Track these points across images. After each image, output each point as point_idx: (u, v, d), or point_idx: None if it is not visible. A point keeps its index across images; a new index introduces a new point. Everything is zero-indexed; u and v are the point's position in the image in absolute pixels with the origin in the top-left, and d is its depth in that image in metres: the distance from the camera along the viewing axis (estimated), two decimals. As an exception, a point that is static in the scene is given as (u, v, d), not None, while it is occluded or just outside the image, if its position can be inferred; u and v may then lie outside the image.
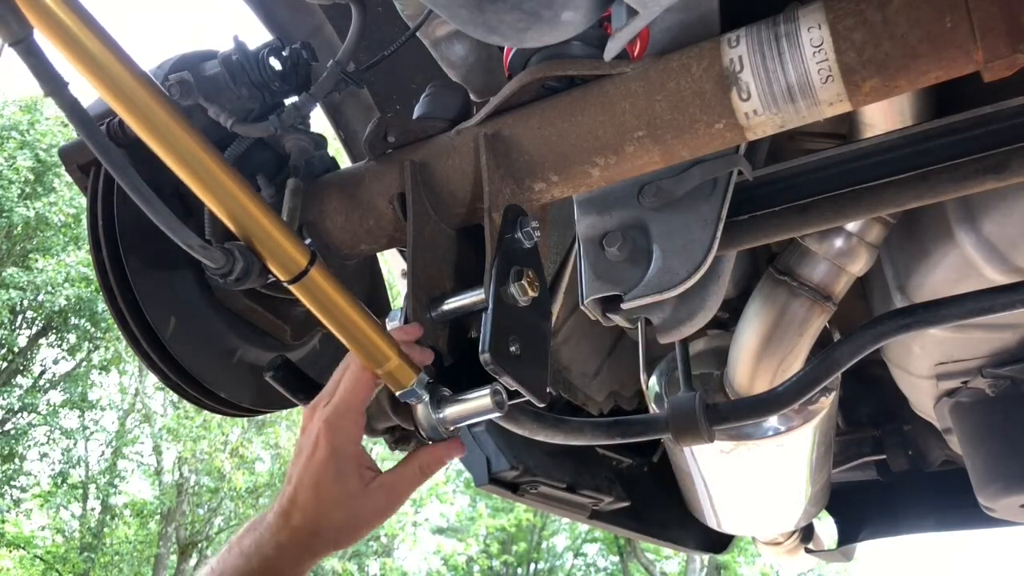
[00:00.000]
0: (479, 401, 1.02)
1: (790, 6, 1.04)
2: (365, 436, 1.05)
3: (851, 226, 1.69)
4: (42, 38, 0.78)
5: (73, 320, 14.61)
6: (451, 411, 1.03)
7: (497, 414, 1.02)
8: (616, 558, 18.07)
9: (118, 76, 0.81)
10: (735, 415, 1.67)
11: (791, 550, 3.09)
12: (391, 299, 1.58)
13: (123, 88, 0.82)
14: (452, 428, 1.05)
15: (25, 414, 14.49)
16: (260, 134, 1.25)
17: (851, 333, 1.53)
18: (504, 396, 1.01)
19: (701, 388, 1.88)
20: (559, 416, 1.78)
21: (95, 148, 0.83)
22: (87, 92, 0.88)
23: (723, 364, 2.02)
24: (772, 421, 2.10)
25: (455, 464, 16.90)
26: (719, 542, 3.17)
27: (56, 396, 15.25)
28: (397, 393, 1.02)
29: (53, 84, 0.78)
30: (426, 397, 1.02)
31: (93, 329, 14.73)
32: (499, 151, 1.15)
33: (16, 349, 14.59)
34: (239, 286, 1.03)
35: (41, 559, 14.27)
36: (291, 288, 0.95)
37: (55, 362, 15.50)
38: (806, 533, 3.04)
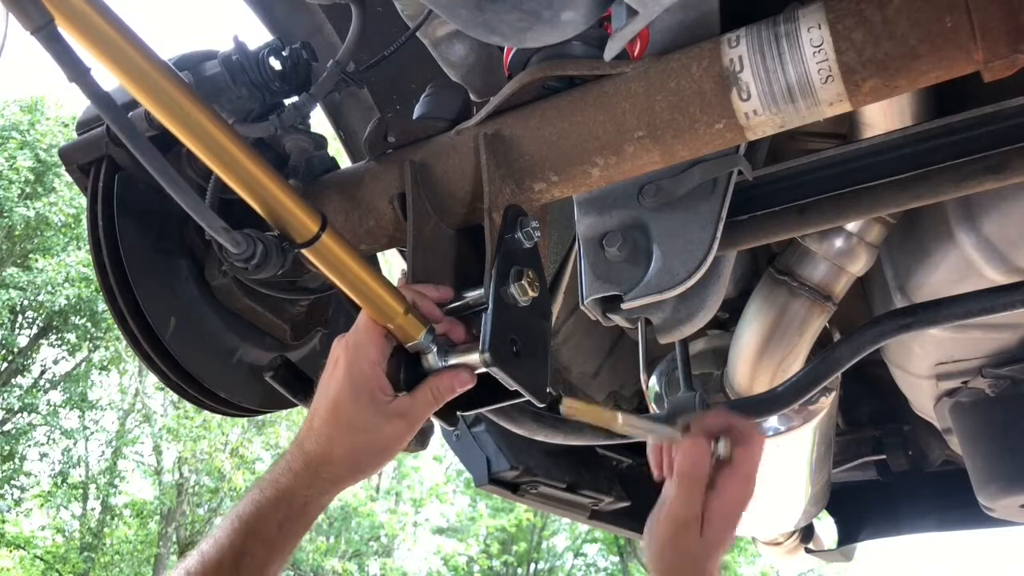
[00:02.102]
0: None
1: (790, 6, 1.04)
2: None
3: (851, 226, 1.69)
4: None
5: (73, 320, 14.61)
6: (458, 359, 1.04)
7: None
8: (616, 558, 18.07)
9: (131, 57, 0.82)
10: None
11: (791, 550, 3.09)
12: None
13: (135, 68, 0.82)
14: None
15: (25, 414, 14.49)
16: (260, 134, 1.25)
17: (851, 333, 1.53)
18: None
19: (701, 388, 1.88)
20: (559, 416, 1.78)
21: (122, 133, 0.84)
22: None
23: (723, 364, 2.02)
24: (772, 421, 2.10)
25: (455, 464, 16.90)
26: (719, 542, 3.16)
27: (56, 396, 15.25)
28: (407, 345, 1.03)
29: (76, 71, 0.79)
30: (434, 348, 1.04)
31: (93, 329, 14.74)
32: (499, 151, 1.15)
33: (16, 349, 14.59)
34: (259, 273, 1.04)
35: (41, 559, 14.27)
36: (305, 252, 0.96)
37: (55, 362, 15.51)
38: (806, 533, 3.03)
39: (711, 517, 1.01)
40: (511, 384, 1.02)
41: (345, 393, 0.99)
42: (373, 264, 1.51)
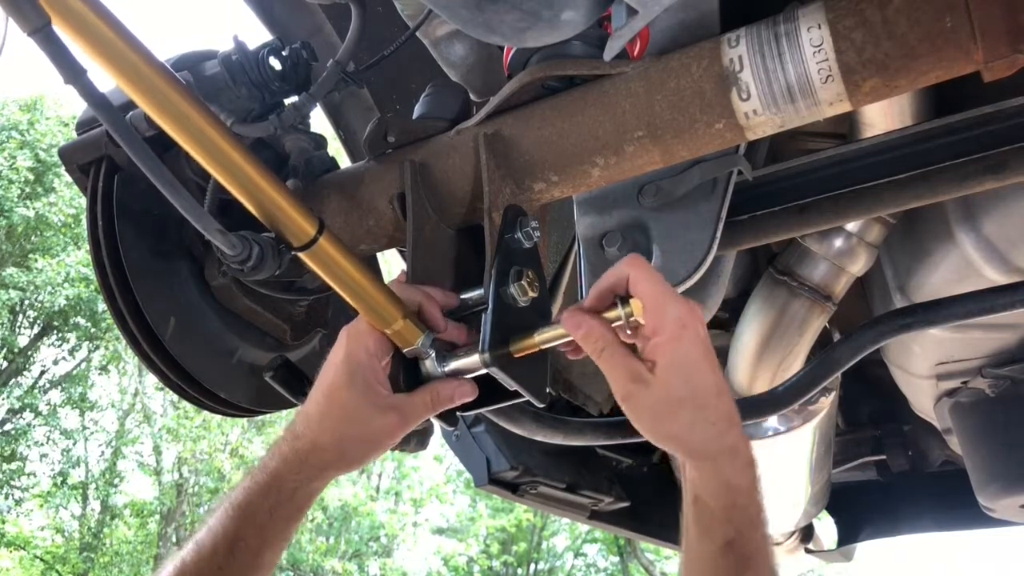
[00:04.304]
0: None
1: (790, 6, 1.04)
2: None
3: (851, 226, 1.69)
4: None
5: (73, 320, 14.61)
6: (455, 364, 1.04)
7: None
8: (616, 558, 18.07)
9: (128, 58, 0.82)
10: (735, 415, 1.67)
11: (791, 550, 3.09)
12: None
13: (132, 69, 0.82)
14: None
15: (26, 414, 14.49)
16: (260, 134, 1.25)
17: (851, 333, 1.53)
18: None
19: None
20: (559, 416, 1.78)
21: (118, 135, 0.84)
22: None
23: (723, 364, 2.02)
24: (772, 421, 2.10)
25: (455, 464, 16.90)
26: (719, 542, 3.16)
27: (56, 396, 15.25)
28: (405, 350, 1.03)
29: (72, 72, 0.78)
30: (432, 353, 1.04)
31: (93, 329, 14.73)
32: (499, 151, 1.15)
33: (16, 349, 14.59)
34: (255, 275, 1.04)
35: (41, 559, 14.26)
36: (301, 256, 0.96)
37: (55, 362, 15.51)
38: (806, 533, 3.03)
39: (654, 361, 0.88)
40: (511, 384, 1.02)
41: (341, 379, 0.99)
42: (372, 267, 1.51)
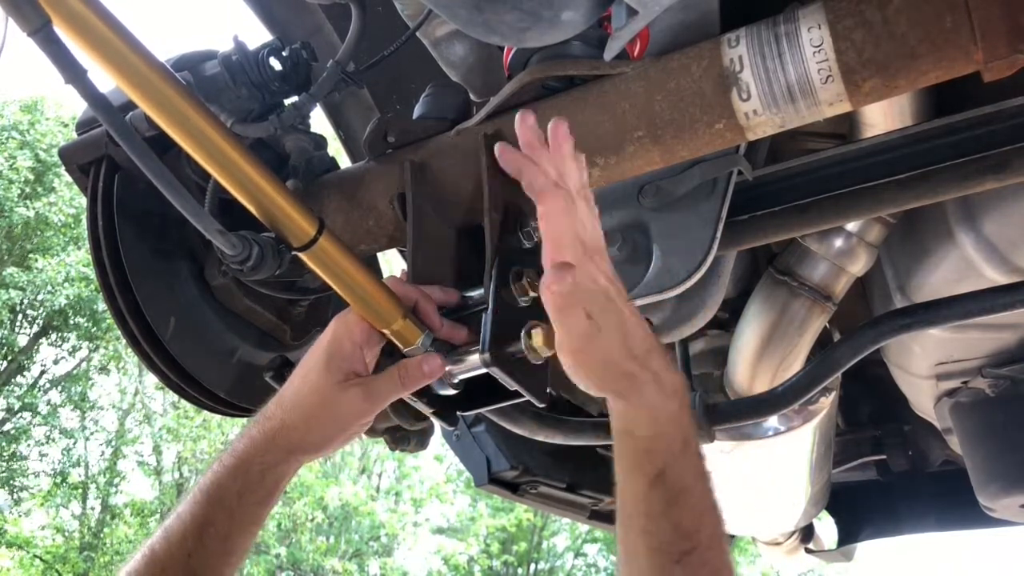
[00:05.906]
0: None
1: (790, 6, 1.04)
2: (365, 436, 1.04)
3: (851, 226, 1.69)
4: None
5: (73, 320, 14.61)
6: (455, 365, 1.04)
7: None
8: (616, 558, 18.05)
9: (128, 59, 0.81)
10: (735, 415, 1.67)
11: (791, 550, 3.09)
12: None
13: (132, 69, 0.82)
14: (457, 380, 1.06)
15: (26, 414, 14.49)
16: (260, 134, 1.25)
17: (851, 333, 1.53)
18: None
19: (701, 388, 1.88)
20: (559, 416, 1.78)
21: (118, 135, 0.84)
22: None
23: (723, 364, 2.02)
24: (772, 421, 2.10)
25: (455, 464, 16.90)
26: (719, 542, 3.16)
27: (56, 396, 15.25)
28: (405, 350, 1.03)
29: (73, 72, 0.78)
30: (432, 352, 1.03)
31: (93, 329, 14.73)
32: (499, 151, 1.15)
33: (16, 349, 14.58)
34: (255, 275, 1.04)
35: (41, 559, 14.26)
36: (301, 256, 0.96)
37: (55, 362, 15.51)
38: (806, 533, 3.04)
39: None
40: (511, 384, 1.02)
41: (318, 362, 0.99)
42: (372, 266, 1.52)
